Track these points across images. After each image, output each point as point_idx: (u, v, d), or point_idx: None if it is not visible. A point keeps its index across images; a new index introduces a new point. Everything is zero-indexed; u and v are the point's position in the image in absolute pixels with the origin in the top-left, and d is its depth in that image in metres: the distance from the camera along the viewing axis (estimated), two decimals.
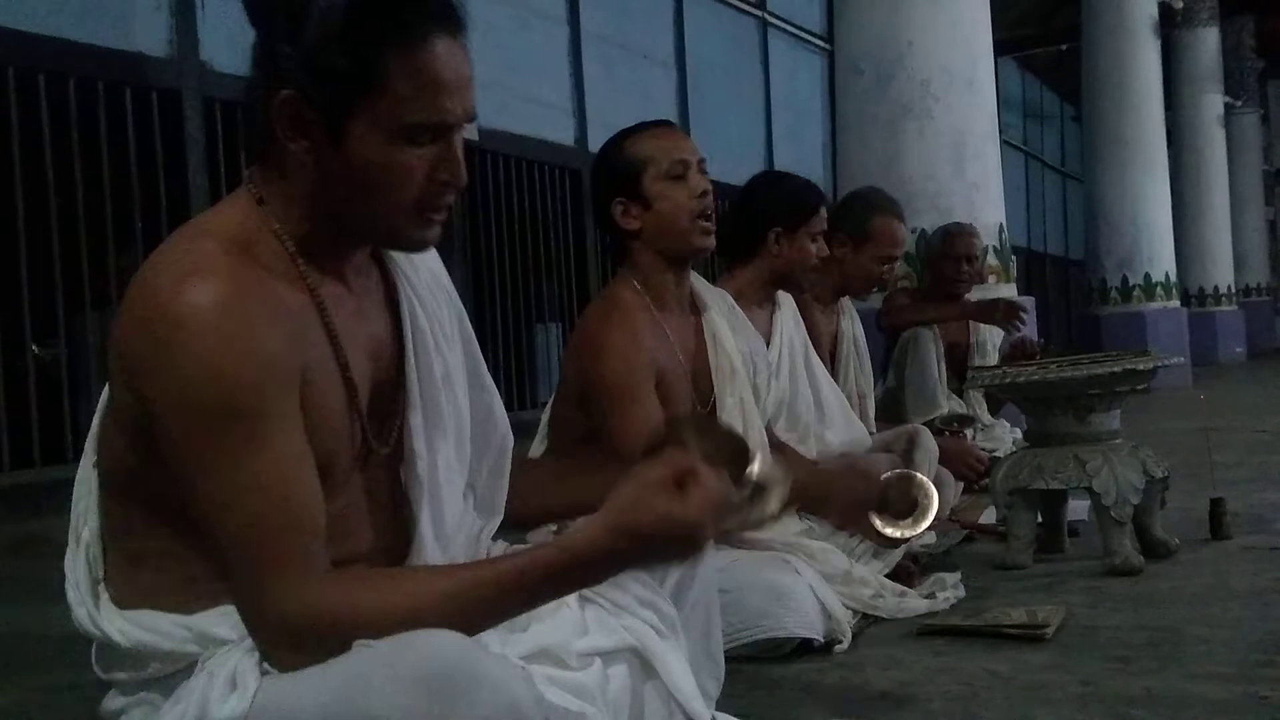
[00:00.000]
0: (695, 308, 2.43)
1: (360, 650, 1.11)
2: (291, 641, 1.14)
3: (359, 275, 1.33)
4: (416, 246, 1.32)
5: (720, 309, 2.47)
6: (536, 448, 2.42)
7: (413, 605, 1.15)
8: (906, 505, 2.31)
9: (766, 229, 2.93)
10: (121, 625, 1.22)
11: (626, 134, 2.34)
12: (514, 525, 1.58)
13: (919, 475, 2.28)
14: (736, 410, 2.39)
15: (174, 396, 1.13)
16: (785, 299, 3.06)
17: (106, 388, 1.25)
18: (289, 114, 1.19)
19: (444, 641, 1.10)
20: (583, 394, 2.26)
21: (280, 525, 1.14)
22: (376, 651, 1.10)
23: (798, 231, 2.94)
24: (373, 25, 1.17)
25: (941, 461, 3.40)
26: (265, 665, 1.16)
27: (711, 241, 2.32)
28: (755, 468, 1.24)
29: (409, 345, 1.35)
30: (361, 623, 1.12)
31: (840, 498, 2.09)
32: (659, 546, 1.19)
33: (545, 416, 2.44)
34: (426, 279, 1.42)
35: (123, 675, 1.25)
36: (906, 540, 2.35)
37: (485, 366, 1.50)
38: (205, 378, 1.12)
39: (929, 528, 2.24)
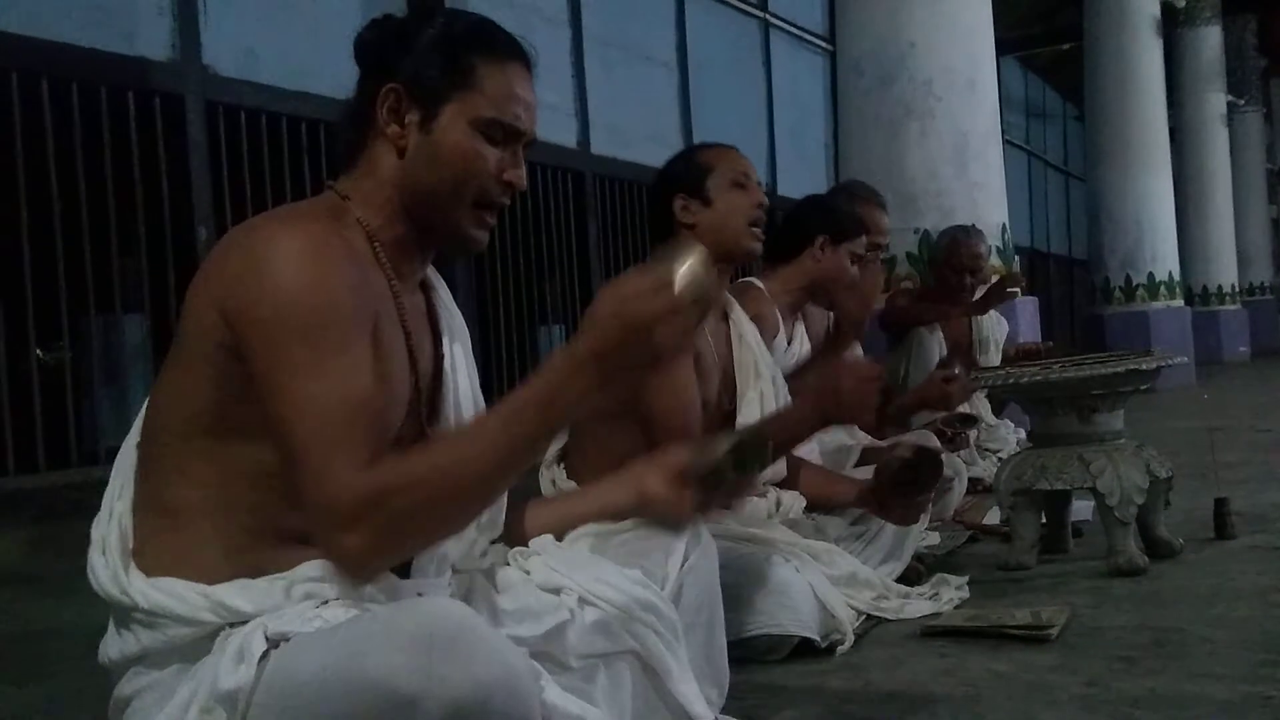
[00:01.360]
0: (724, 314, 2.60)
1: (362, 615, 1.18)
2: (355, 515, 1.21)
3: (416, 289, 1.50)
4: (469, 244, 1.47)
5: (743, 316, 2.64)
6: None
7: (458, 456, 1.25)
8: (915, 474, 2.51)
9: (814, 234, 3.17)
10: (144, 588, 1.29)
11: (696, 146, 2.62)
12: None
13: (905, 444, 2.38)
14: (756, 402, 2.53)
15: (268, 304, 1.25)
16: (809, 315, 3.32)
17: (173, 346, 1.35)
18: (392, 103, 1.42)
19: (444, 607, 1.15)
20: None
21: (354, 417, 1.24)
22: (378, 616, 1.15)
23: (841, 245, 3.18)
24: (469, 41, 1.44)
25: (923, 400, 3.75)
26: (271, 636, 1.20)
27: (759, 248, 2.51)
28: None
29: (446, 354, 1.51)
30: (417, 480, 1.23)
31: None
32: (621, 334, 1.26)
33: None
34: (460, 317, 1.57)
35: (135, 648, 1.29)
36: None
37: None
38: (302, 286, 1.25)
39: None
